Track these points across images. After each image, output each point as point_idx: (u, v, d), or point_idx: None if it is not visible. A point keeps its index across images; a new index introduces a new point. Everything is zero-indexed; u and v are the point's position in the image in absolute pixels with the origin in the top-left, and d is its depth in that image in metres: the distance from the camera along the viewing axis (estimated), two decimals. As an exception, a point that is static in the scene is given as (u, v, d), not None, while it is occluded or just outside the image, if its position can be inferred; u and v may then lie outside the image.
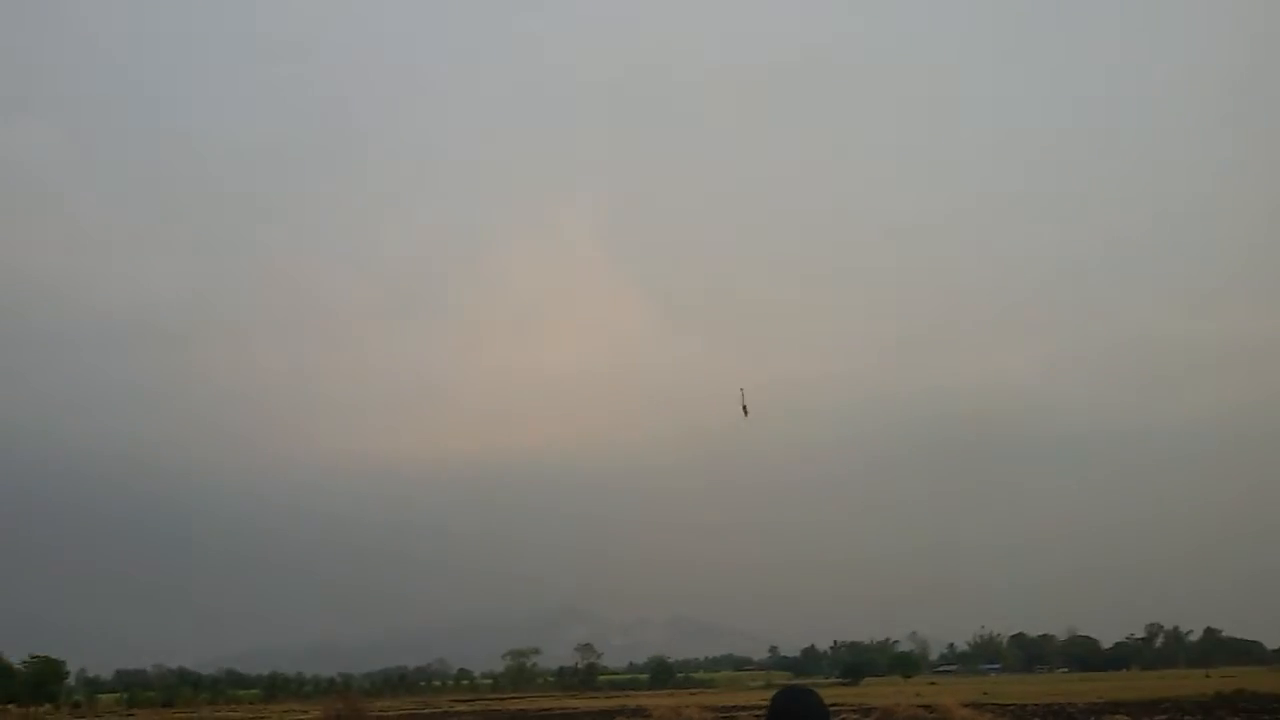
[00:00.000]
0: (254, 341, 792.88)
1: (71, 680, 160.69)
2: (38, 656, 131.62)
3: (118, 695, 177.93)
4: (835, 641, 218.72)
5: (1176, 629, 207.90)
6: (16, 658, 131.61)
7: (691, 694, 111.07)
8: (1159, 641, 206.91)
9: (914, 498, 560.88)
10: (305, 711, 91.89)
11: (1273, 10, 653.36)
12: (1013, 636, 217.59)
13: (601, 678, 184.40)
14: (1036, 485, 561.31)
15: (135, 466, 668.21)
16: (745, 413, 48.00)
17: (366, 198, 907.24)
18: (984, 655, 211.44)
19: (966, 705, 50.71)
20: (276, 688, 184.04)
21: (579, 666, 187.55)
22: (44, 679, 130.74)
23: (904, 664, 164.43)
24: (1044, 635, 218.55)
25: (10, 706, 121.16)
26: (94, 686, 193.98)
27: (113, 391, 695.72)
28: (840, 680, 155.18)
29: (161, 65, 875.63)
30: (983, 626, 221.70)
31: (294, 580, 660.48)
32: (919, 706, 49.83)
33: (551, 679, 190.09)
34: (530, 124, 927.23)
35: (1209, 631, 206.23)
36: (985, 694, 75.12)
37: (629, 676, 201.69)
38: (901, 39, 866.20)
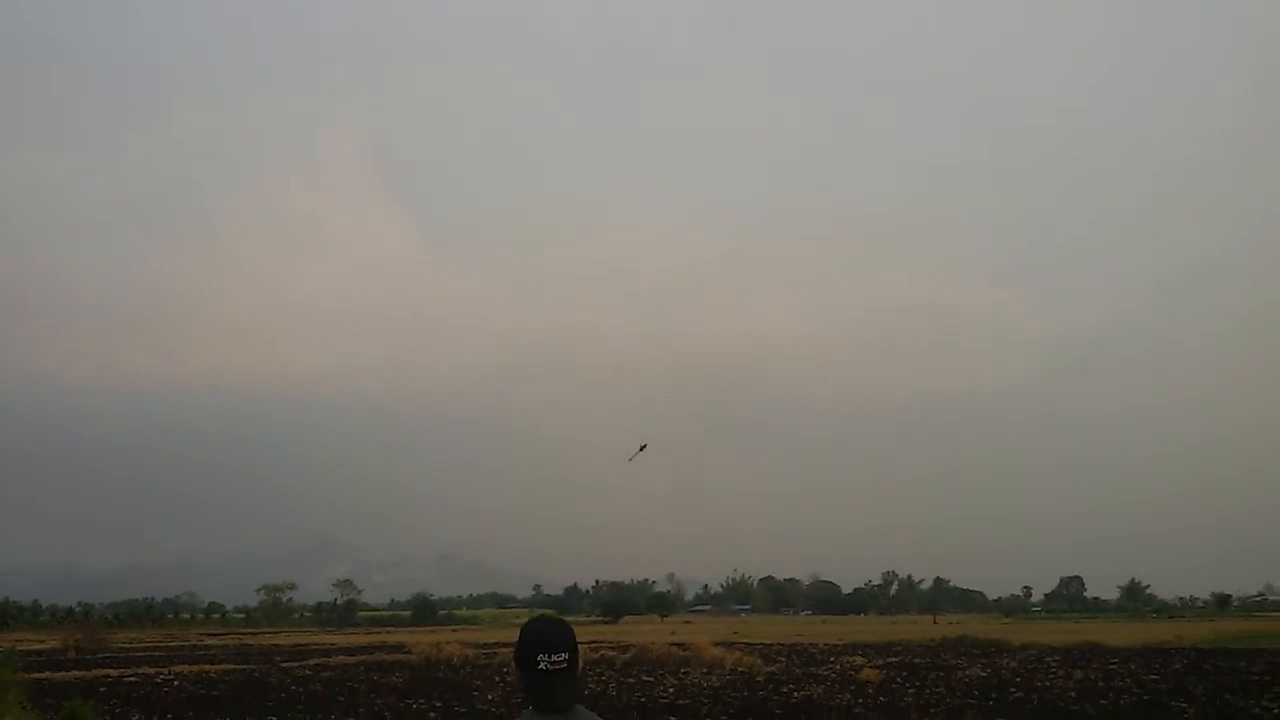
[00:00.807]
0: None
1: None
2: None
3: None
4: (597, 581, 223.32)
5: (910, 577, 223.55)
6: None
7: (454, 630, 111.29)
8: (894, 589, 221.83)
9: (675, 445, 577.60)
10: (40, 641, 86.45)
11: None
12: (761, 579, 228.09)
13: (362, 614, 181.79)
14: (791, 439, 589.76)
15: None
16: (634, 455, 50.91)
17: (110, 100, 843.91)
18: (735, 596, 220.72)
19: (718, 644, 53.32)
20: (8, 616, 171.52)
21: (338, 602, 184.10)
22: None
23: (661, 604, 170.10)
24: (790, 579, 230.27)
25: None
26: None
27: None
28: (601, 619, 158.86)
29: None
30: (734, 569, 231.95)
31: (28, 503, 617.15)
32: (673, 644, 51.85)
33: (309, 615, 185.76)
34: (295, 33, 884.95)
35: (938, 581, 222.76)
36: (735, 633, 79.10)
37: (390, 613, 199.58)
38: None
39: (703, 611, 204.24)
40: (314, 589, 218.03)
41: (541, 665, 3.36)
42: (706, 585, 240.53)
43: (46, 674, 42.57)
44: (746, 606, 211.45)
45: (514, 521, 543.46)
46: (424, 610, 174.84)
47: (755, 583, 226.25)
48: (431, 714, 26.96)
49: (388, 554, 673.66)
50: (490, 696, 31.33)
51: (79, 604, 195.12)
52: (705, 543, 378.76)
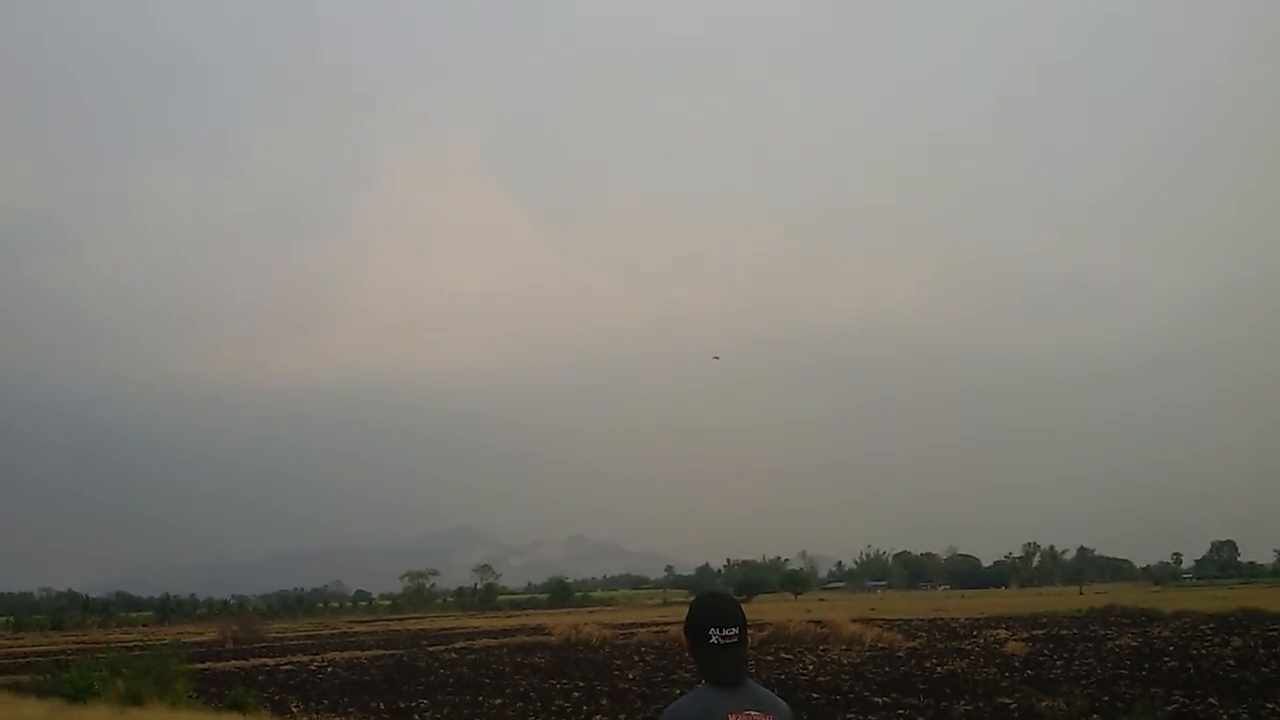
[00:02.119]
0: (107, 255, 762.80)
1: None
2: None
3: (3, 619, 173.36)
4: (729, 560, 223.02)
5: (1052, 548, 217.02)
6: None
7: (590, 612, 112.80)
8: (1035, 560, 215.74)
9: (808, 421, 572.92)
10: (200, 633, 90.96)
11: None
12: (897, 555, 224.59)
13: (501, 598, 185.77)
14: (918, 409, 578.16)
15: (7, 387, 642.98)
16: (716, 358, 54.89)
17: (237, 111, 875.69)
18: (870, 573, 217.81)
19: (855, 620, 52.77)
20: (169, 610, 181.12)
21: (477, 587, 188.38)
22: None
23: (794, 581, 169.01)
24: (926, 554, 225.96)
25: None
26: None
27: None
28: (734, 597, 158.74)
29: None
30: (868, 545, 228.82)
31: (184, 499, 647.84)
32: (810, 622, 51.56)
33: (450, 600, 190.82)
34: (412, 42, 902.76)
35: (1082, 551, 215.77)
36: (872, 609, 78.07)
37: (528, 596, 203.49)
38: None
39: (837, 589, 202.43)
40: (454, 575, 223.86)
41: (713, 639, 3.47)
42: (840, 562, 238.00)
43: (208, 664, 44.69)
44: (882, 583, 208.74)
45: (645, 502, 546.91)
46: (560, 593, 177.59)
47: (890, 558, 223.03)
48: (575, 693, 27.43)
49: (523, 538, 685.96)
50: (631, 676, 31.70)
51: (233, 596, 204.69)
52: (837, 518, 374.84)
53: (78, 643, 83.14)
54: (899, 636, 43.09)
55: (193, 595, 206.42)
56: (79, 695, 21.20)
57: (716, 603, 3.63)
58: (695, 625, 3.56)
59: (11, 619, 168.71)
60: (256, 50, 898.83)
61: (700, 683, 3.52)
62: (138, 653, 31.61)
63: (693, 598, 3.84)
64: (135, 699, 20.68)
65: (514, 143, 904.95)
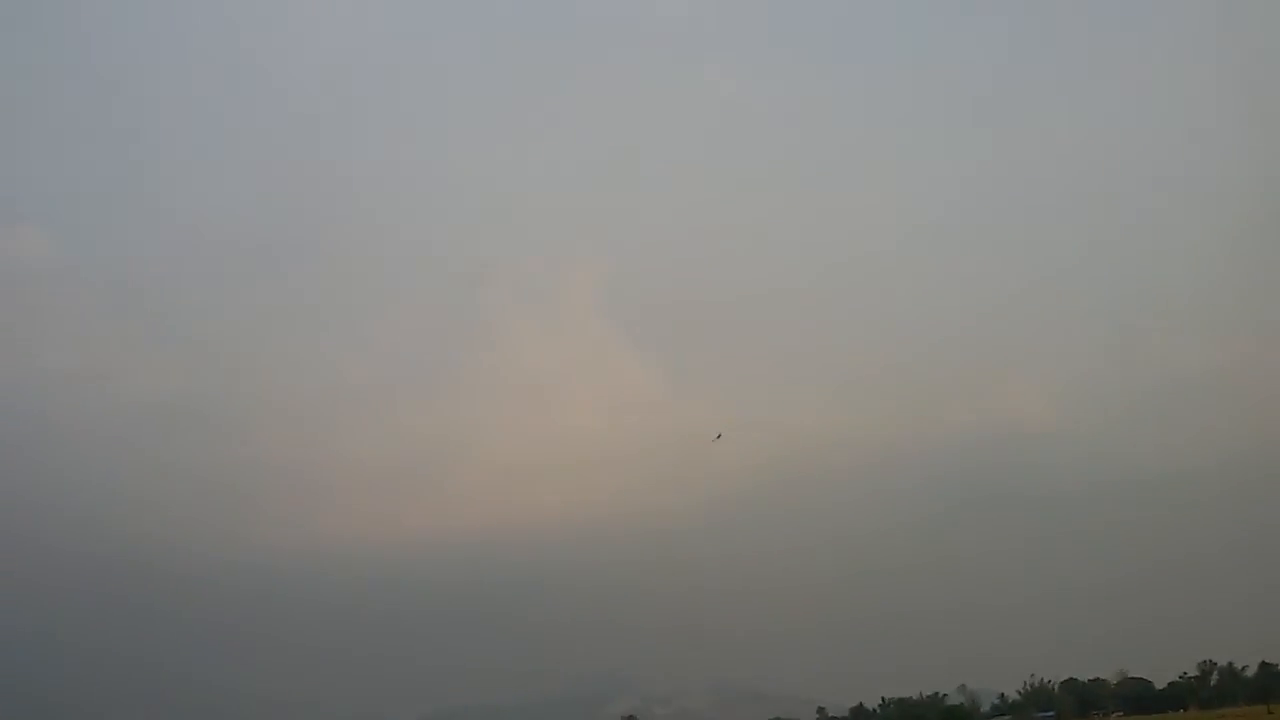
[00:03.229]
0: (253, 431, 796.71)
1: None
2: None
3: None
4: (884, 699, 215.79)
5: (1231, 665, 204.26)
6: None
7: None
8: (1214, 679, 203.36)
9: (949, 546, 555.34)
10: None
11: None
12: (1063, 682, 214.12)
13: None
14: (1068, 530, 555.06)
15: (135, 563, 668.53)
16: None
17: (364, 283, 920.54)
18: (1036, 703, 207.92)
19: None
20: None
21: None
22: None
23: (956, 718, 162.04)
24: (1095, 680, 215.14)
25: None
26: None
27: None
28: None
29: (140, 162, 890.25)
30: (1032, 674, 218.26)
31: (331, 671, 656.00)
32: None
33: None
34: (527, 191, 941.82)
35: (1264, 666, 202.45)
36: (1050, 744, 74.02)
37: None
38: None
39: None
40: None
41: None
42: (1003, 694, 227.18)
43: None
44: (1050, 713, 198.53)
45: (788, 642, 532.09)
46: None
47: (1057, 687, 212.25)
48: None
49: (665, 687, 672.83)
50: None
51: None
52: (995, 647, 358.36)
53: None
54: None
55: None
56: None
57: None
58: None
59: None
60: (379, 222, 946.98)
61: None
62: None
63: None
64: None
65: (627, 291, 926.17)
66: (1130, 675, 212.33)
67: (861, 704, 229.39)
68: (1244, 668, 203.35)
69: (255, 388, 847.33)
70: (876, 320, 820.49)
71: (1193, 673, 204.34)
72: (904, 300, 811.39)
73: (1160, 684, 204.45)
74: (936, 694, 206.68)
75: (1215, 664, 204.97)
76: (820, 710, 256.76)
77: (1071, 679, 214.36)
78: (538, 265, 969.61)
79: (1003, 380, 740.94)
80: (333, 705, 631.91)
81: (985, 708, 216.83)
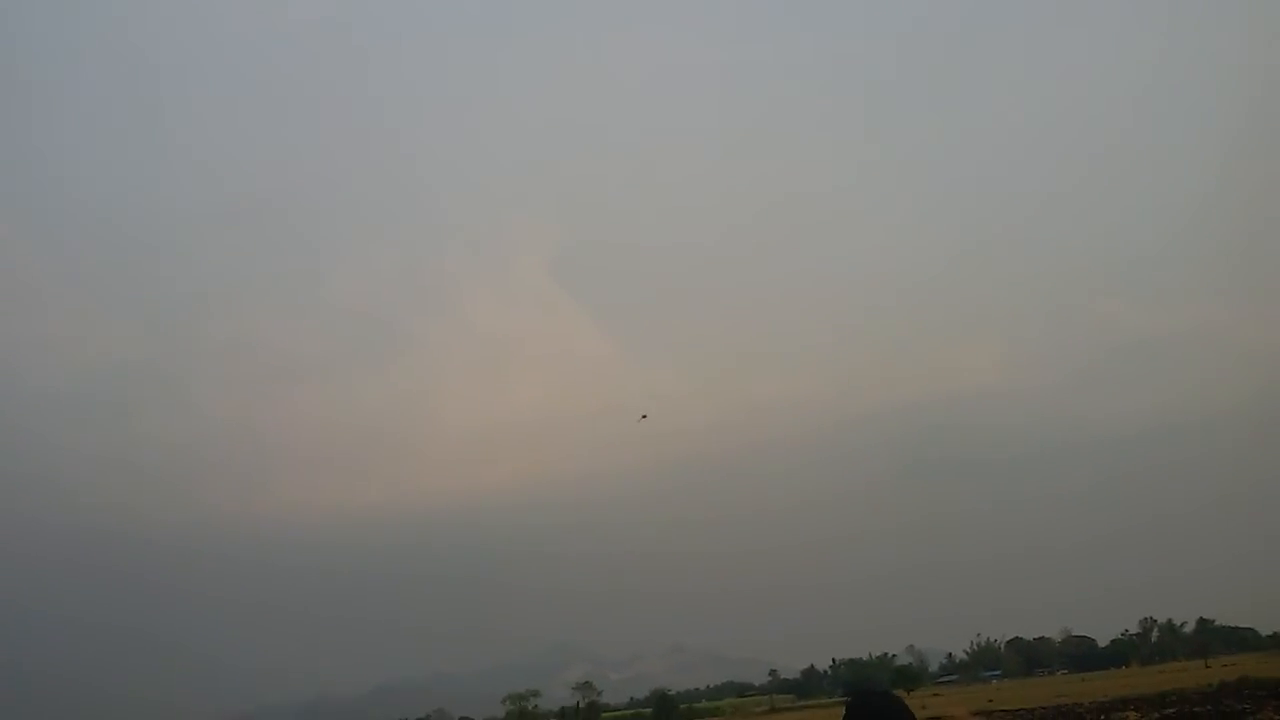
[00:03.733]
0: (201, 399, 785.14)
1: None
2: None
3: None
4: (834, 660, 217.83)
5: (1170, 621, 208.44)
6: None
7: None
8: (1154, 636, 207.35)
9: (899, 511, 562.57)
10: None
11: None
12: (1009, 641, 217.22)
13: (605, 715, 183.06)
14: (1015, 493, 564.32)
15: (96, 530, 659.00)
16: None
17: (315, 249, 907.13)
18: (983, 662, 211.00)
19: (975, 713, 51.15)
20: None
21: (580, 705, 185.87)
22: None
23: (905, 677, 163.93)
24: (1040, 638, 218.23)
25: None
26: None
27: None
28: (843, 699, 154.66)
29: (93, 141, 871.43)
30: (978, 634, 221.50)
31: (285, 637, 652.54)
32: (930, 719, 50.14)
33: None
34: (479, 166, 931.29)
35: (1202, 621, 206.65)
36: (990, 701, 75.66)
37: (632, 712, 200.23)
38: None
39: (950, 682, 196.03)
40: (556, 694, 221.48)
41: None
42: (950, 653, 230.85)
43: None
44: (996, 672, 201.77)
45: (741, 606, 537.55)
46: (664, 706, 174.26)
47: (1003, 645, 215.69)
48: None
49: (622, 652, 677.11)
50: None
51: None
52: (941, 608, 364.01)
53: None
54: (1024, 727, 41.70)
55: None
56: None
57: (878, 704, 2.95)
58: None
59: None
60: (333, 184, 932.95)
61: None
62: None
63: (848, 700, 3.10)
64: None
65: (581, 258, 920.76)
66: (1074, 634, 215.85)
67: (813, 665, 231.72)
68: (1183, 624, 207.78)
69: (209, 355, 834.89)
70: (830, 286, 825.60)
71: (1134, 630, 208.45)
72: (858, 265, 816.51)
73: (1103, 642, 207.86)
74: (886, 654, 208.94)
75: (1155, 621, 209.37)
76: (773, 672, 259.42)
77: (1017, 638, 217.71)
78: (491, 231, 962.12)
79: (954, 344, 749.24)
80: (289, 673, 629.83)
81: (933, 667, 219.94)
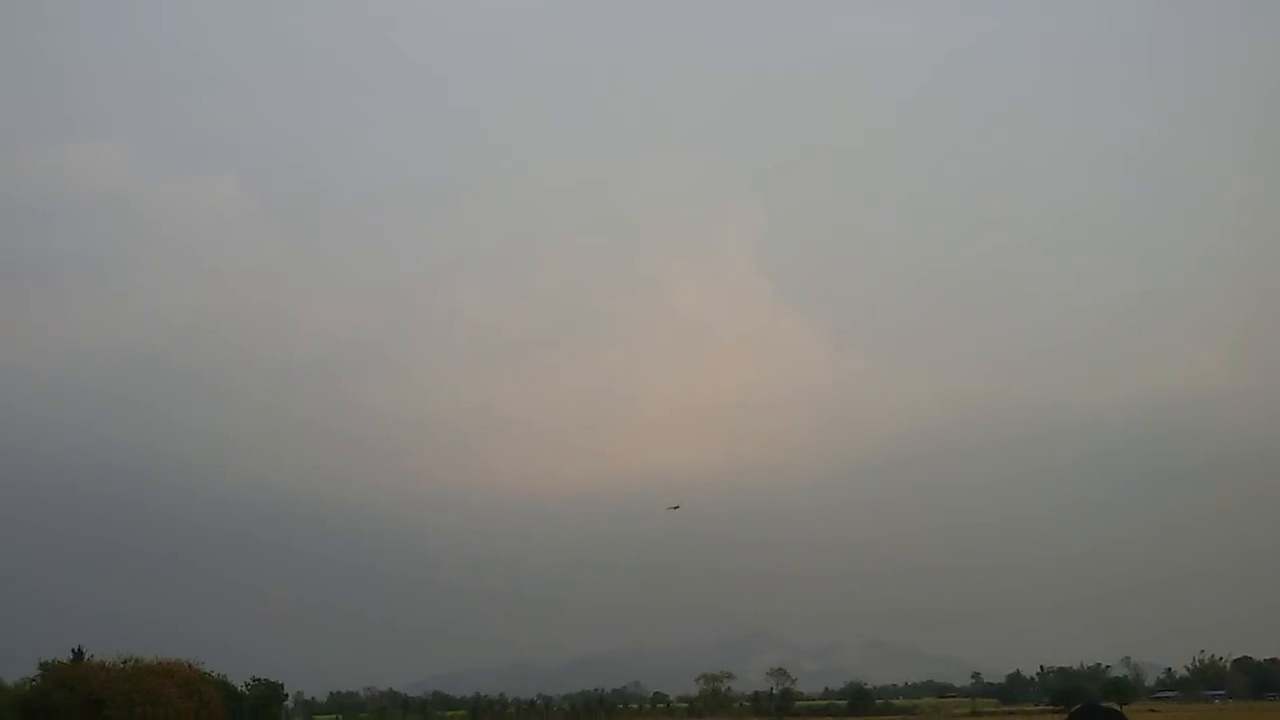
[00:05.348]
0: (423, 375, 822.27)
1: (290, 703, 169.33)
2: (260, 680, 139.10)
3: (332, 716, 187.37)
4: (1042, 667, 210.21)
5: None
6: (240, 681, 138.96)
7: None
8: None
9: (1124, 517, 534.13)
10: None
11: None
12: (1236, 660, 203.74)
13: (799, 704, 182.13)
14: (1247, 501, 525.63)
15: (323, 502, 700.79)
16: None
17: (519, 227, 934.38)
18: (1205, 681, 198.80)
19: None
20: (480, 709, 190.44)
21: (773, 691, 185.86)
22: (266, 701, 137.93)
23: (1118, 690, 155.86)
24: (1272, 659, 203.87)
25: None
26: (310, 708, 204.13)
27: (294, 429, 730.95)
28: (1051, 707, 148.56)
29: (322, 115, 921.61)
30: (1202, 650, 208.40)
31: (492, 605, 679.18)
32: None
33: (747, 704, 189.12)
34: (684, 144, 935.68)
35: None
36: (1215, 722, 70.50)
37: (825, 703, 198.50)
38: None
39: (1168, 699, 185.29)
40: (749, 678, 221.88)
41: None
42: (1170, 669, 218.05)
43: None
44: (1220, 692, 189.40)
45: (947, 604, 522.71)
46: (860, 699, 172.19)
47: (1229, 664, 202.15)
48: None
49: (817, 642, 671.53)
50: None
51: (539, 696, 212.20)
52: (1166, 622, 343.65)
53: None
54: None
55: (501, 695, 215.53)
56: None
57: (1106, 718, 2.47)
58: None
59: (340, 716, 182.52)
60: (540, 174, 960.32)
61: None
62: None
63: (1072, 708, 2.84)
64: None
65: (784, 245, 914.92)
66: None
67: (1019, 671, 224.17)
68: None
69: (416, 334, 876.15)
70: (1042, 288, 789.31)
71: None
72: (1076, 266, 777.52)
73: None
74: (1099, 665, 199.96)
75: None
76: (975, 675, 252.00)
77: (1245, 657, 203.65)
78: (694, 215, 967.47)
79: (1173, 348, 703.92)
80: (493, 642, 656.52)
81: (1150, 682, 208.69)
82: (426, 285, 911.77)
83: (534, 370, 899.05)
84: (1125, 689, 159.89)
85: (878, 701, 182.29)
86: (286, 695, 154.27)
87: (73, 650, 71.64)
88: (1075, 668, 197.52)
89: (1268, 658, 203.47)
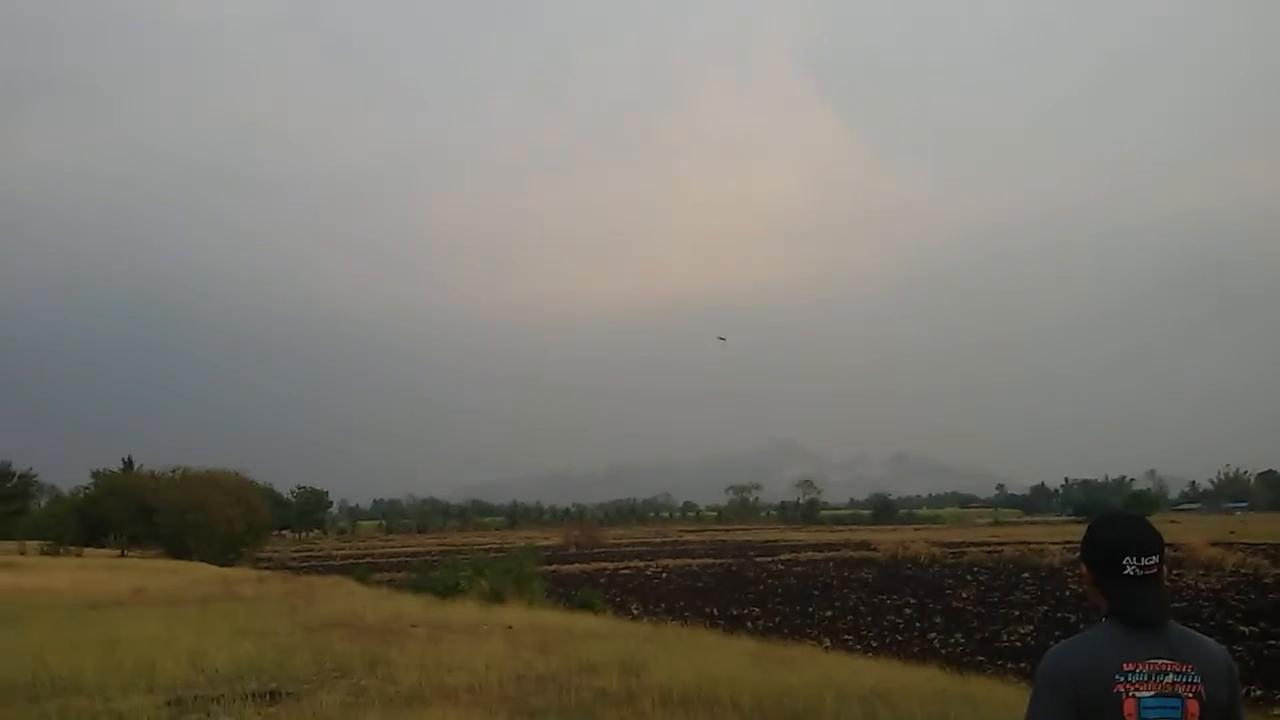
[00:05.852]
0: (471, 189, 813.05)
1: (335, 509, 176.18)
2: (305, 488, 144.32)
3: (376, 522, 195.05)
4: (1066, 479, 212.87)
5: None
6: (286, 489, 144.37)
7: (916, 530, 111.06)
8: None
9: (1153, 330, 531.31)
10: (545, 537, 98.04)
11: None
12: (1261, 474, 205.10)
13: (824, 513, 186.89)
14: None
15: (368, 323, 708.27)
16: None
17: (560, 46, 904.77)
18: (1228, 494, 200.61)
19: (1213, 544, 48.58)
20: (518, 516, 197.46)
21: (800, 502, 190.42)
22: (311, 507, 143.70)
23: (1141, 503, 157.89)
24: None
25: (284, 532, 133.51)
26: (355, 515, 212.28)
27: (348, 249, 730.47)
28: (1073, 519, 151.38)
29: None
30: (1227, 464, 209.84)
31: (529, 418, 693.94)
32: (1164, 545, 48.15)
33: (774, 513, 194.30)
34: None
35: None
36: (1232, 533, 71.83)
37: (850, 512, 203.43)
38: None
39: (1190, 510, 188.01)
40: (776, 490, 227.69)
41: (1128, 570, 2.74)
42: (1194, 482, 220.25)
43: (555, 567, 47.92)
44: (1243, 504, 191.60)
45: (972, 418, 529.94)
46: (884, 509, 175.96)
47: (1253, 478, 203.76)
48: (906, 610, 27.19)
49: (845, 454, 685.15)
50: (965, 595, 31.00)
51: (574, 505, 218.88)
52: (1190, 435, 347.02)
53: (441, 545, 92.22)
54: (1265, 562, 39.43)
55: (538, 503, 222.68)
56: (448, 592, 23.38)
57: (1130, 525, 2.83)
58: (1102, 552, 2.79)
59: (383, 522, 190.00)
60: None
61: (1103, 619, 2.79)
62: (495, 555, 34.56)
63: (1091, 520, 3.04)
64: (497, 597, 22.55)
65: (829, 54, 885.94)
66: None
67: (1043, 483, 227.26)
68: None
69: (459, 144, 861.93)
70: (1099, 94, 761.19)
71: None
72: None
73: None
74: (1123, 478, 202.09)
75: None
76: (1000, 487, 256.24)
77: (1270, 470, 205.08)
78: (734, 22, 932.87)
79: (1238, 156, 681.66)
80: (530, 455, 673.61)
81: (1173, 495, 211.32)
82: (461, 93, 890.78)
83: (574, 186, 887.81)
84: (1148, 501, 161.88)
85: (900, 511, 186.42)
86: (330, 502, 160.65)
87: (123, 460, 74.53)
88: (1099, 480, 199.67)
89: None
